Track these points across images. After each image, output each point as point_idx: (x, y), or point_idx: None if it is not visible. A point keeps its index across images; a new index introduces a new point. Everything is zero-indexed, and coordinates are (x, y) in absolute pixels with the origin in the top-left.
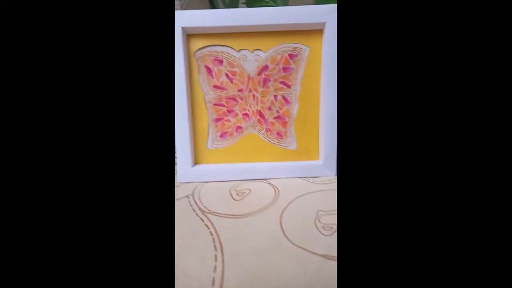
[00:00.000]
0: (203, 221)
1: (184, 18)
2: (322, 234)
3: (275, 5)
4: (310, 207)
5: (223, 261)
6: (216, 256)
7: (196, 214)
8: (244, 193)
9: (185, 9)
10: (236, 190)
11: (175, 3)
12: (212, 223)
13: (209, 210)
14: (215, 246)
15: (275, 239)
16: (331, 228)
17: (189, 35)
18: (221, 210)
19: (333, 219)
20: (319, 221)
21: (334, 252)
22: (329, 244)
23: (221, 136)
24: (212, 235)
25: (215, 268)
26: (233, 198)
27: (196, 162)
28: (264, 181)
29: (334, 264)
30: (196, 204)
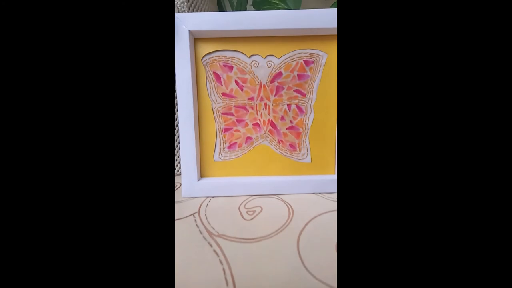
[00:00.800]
0: (211, 246)
1: (191, 21)
2: None
3: (285, 7)
4: (328, 231)
5: None
6: None
7: (204, 237)
8: (255, 211)
9: (193, 11)
10: (246, 208)
11: (183, 5)
12: (221, 250)
13: (218, 233)
14: (226, 279)
15: (295, 272)
16: None
17: (197, 39)
18: (231, 233)
19: None
20: None
21: None
22: None
23: (230, 147)
24: (222, 264)
25: None
26: (243, 218)
27: (202, 175)
28: (275, 196)
29: None
30: (203, 224)
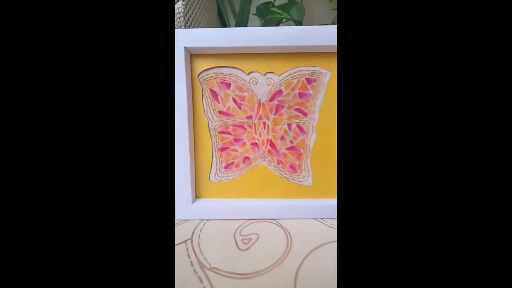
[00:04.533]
0: (201, 282)
1: (187, 37)
2: None
3: (288, 17)
4: (330, 266)
5: None
6: None
7: (194, 270)
8: (251, 239)
9: (190, 24)
10: (241, 235)
11: (179, 20)
12: (212, 287)
13: (210, 265)
14: None
15: None
16: None
17: (193, 55)
18: (224, 266)
19: None
20: None
21: None
22: None
23: (226, 167)
24: None
25: None
26: (238, 247)
27: (197, 196)
28: (274, 221)
29: None
30: (195, 254)
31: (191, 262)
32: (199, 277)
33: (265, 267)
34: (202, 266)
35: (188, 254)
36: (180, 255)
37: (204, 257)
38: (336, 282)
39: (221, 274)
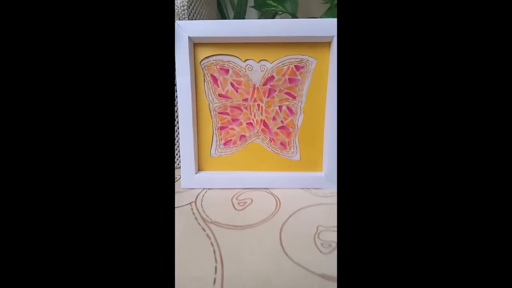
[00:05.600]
0: (204, 230)
1: (191, 28)
2: (321, 252)
3: (283, 9)
4: (310, 222)
5: (222, 274)
6: (216, 268)
7: (198, 223)
8: (245, 202)
9: (193, 16)
10: (238, 199)
11: (184, 12)
12: (213, 234)
13: (211, 220)
14: (215, 258)
15: (275, 255)
16: (330, 245)
17: (196, 44)
18: (223, 220)
19: (332, 236)
20: (319, 237)
21: (331, 272)
22: (327, 263)
23: (225, 144)
24: (213, 246)
25: (214, 280)
26: (234, 208)
27: (199, 168)
28: (266, 190)
29: (331, 285)
30: (199, 212)
31: (195, 217)
32: (202, 228)
33: (256, 221)
34: (204, 220)
35: (192, 212)
36: (185, 213)
37: (206, 214)
38: (314, 233)
39: (220, 226)
